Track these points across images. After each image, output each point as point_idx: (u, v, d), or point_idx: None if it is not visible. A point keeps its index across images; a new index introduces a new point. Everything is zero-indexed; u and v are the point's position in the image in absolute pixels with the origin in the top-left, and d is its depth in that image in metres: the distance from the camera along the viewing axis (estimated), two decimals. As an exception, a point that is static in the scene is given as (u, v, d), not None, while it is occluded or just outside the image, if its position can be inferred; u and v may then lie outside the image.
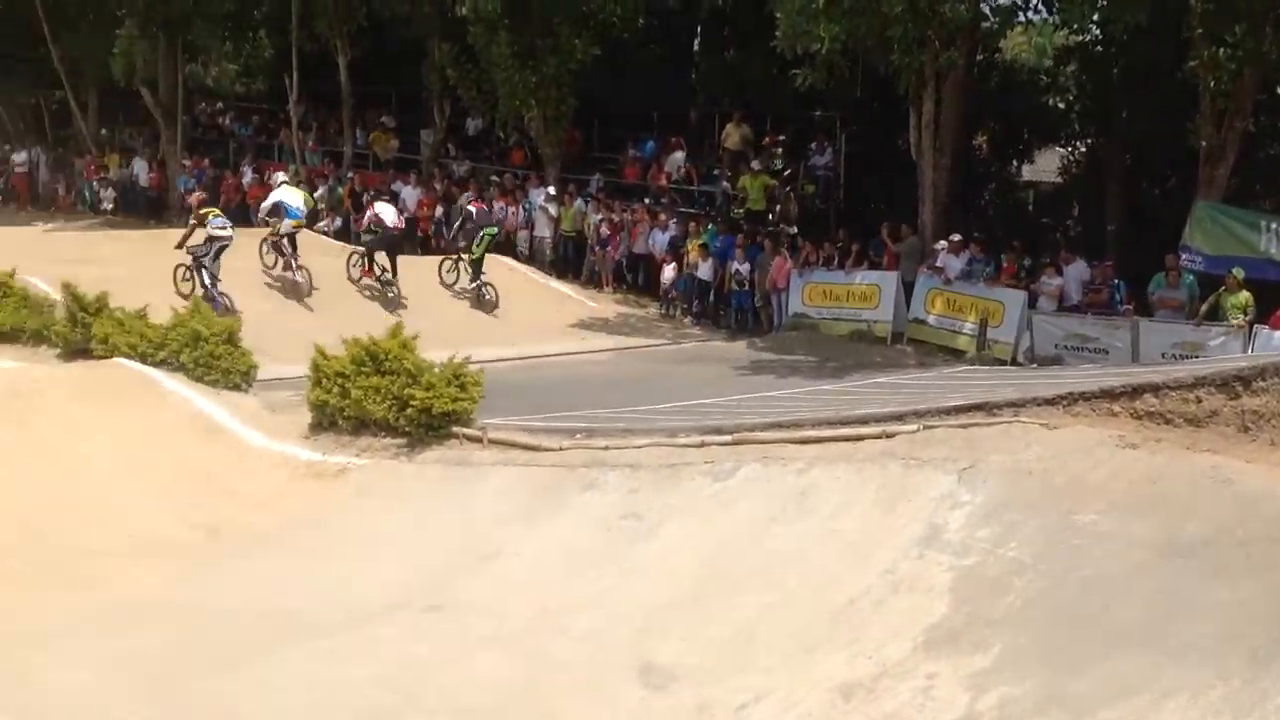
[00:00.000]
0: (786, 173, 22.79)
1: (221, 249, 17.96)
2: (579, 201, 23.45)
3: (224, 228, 18.17)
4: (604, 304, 21.62)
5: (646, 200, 23.29)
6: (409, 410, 11.25)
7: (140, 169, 30.29)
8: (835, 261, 19.99)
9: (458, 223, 21.57)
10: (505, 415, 11.64)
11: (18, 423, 11.36)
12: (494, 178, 25.76)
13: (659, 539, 8.63)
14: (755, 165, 22.43)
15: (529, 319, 19.71)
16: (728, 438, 9.56)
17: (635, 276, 22.81)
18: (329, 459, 11.44)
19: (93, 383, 12.72)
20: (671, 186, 23.90)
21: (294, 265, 19.29)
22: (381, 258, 20.23)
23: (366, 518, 10.31)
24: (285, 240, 19.34)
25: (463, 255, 20.92)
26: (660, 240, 21.99)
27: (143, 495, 10.66)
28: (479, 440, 11.07)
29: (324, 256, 22.71)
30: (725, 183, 23.18)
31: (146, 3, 27.61)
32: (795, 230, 21.55)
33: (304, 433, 12.00)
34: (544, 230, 23.52)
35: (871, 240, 20.05)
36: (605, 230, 22.71)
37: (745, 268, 20.53)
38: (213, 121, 33.49)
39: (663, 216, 22.21)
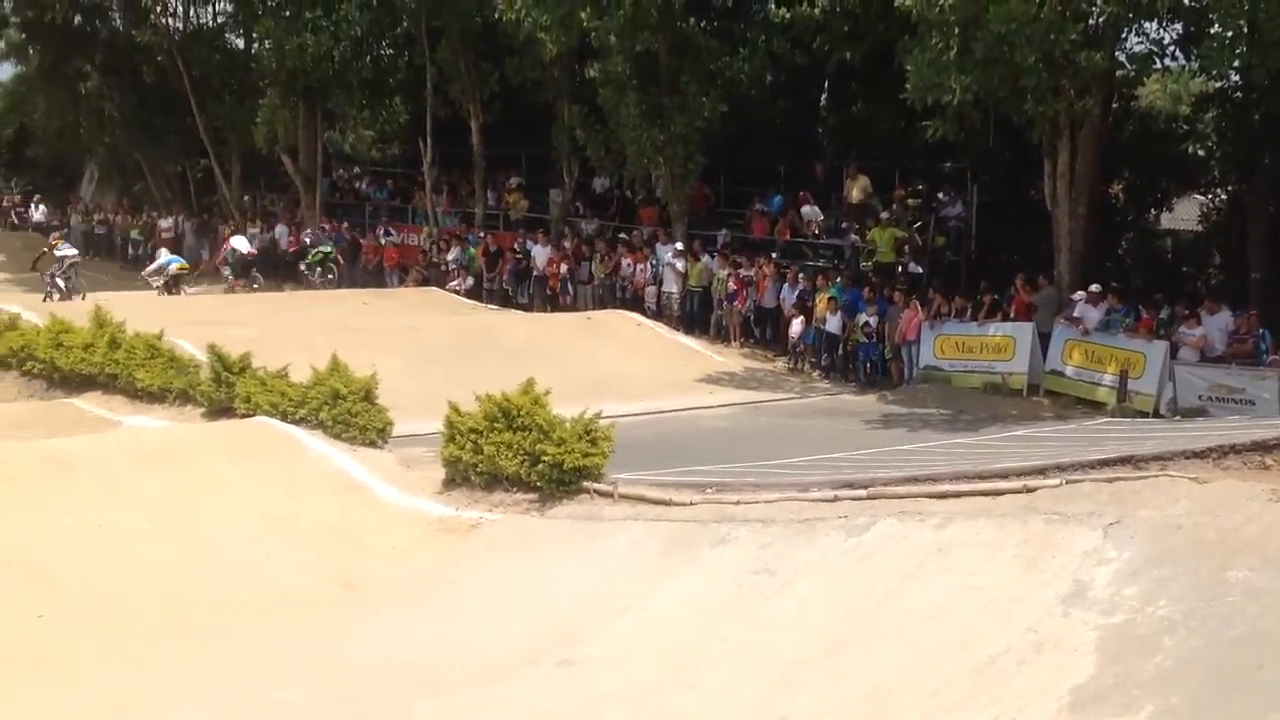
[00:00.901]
0: (916, 225, 22.55)
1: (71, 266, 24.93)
2: (705, 257, 23.51)
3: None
4: (731, 358, 21.56)
5: (773, 254, 23.24)
6: (540, 465, 11.30)
7: (281, 233, 31.24)
8: (967, 313, 19.68)
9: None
10: (635, 470, 11.61)
11: (164, 479, 11.68)
12: (621, 235, 25.99)
13: (792, 595, 8.49)
14: (884, 216, 22.26)
15: (657, 374, 19.73)
16: (862, 492, 9.40)
17: (763, 330, 22.72)
18: (462, 514, 11.54)
19: (236, 440, 13.04)
20: (801, 240, 23.81)
21: None
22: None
23: (498, 572, 10.35)
24: None
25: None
26: (788, 294, 21.90)
27: (281, 549, 10.85)
28: (609, 495, 11.06)
29: (457, 315, 23.19)
30: (853, 235, 23.02)
31: (288, 73, 28.57)
32: (922, 270, 21.33)
33: (437, 488, 12.14)
34: (671, 286, 23.61)
35: (1004, 291, 19.69)
36: (732, 285, 22.69)
37: (874, 320, 20.31)
38: (349, 186, 34.50)
39: (790, 270, 22.14)
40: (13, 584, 9.59)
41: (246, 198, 35.30)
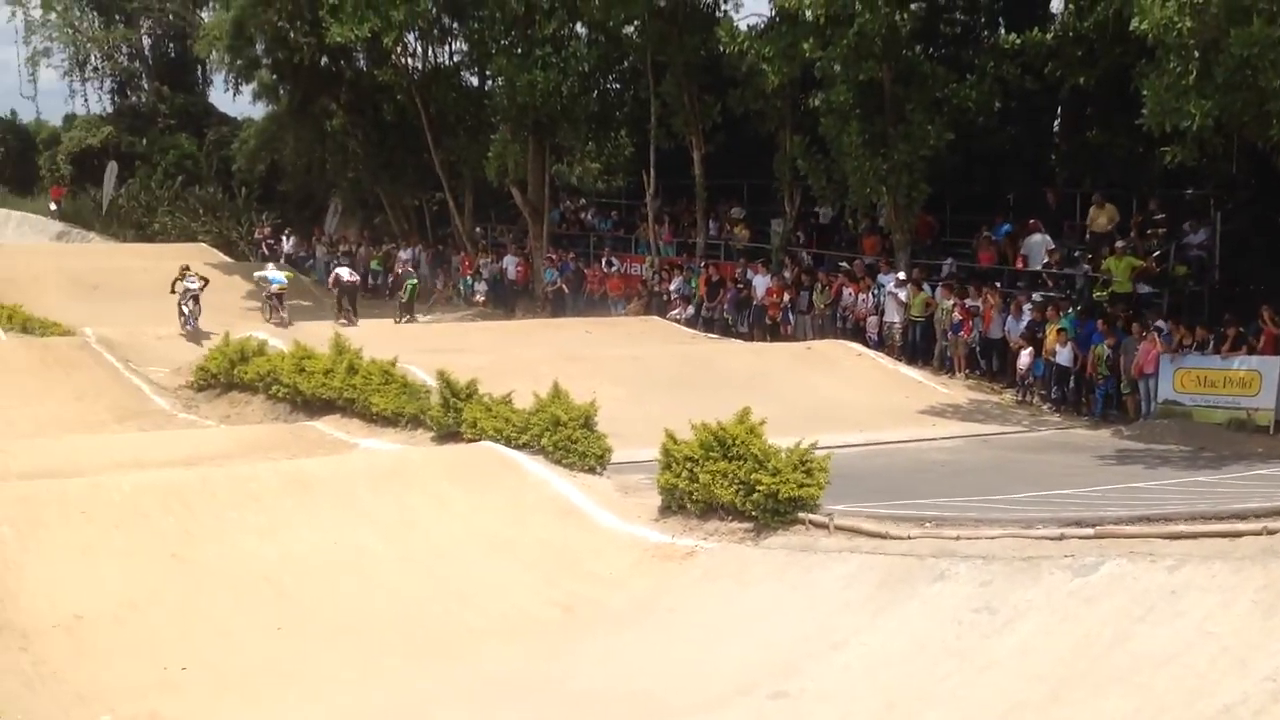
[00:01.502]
0: (1155, 254, 21.60)
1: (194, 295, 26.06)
2: (928, 286, 23.08)
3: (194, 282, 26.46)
4: (956, 390, 21.06)
5: (999, 284, 22.63)
6: (755, 495, 11.29)
7: (510, 263, 32.17)
8: (1210, 345, 18.72)
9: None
10: (851, 502, 11.48)
11: (396, 501, 12.15)
12: (842, 264, 25.78)
13: (1014, 635, 8.24)
14: (1119, 245, 21.39)
15: (876, 404, 19.45)
16: (1089, 530, 9.06)
17: (989, 362, 22.13)
18: (677, 541, 11.62)
19: (462, 464, 13.46)
20: (1035, 270, 23.11)
21: None
22: None
23: (713, 601, 10.37)
24: None
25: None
26: (1013, 325, 21.28)
27: (505, 572, 11.15)
28: (825, 526, 10.96)
29: (677, 344, 23.41)
30: (1086, 265, 22.21)
31: (518, 108, 29.43)
32: (1162, 300, 20.43)
33: (654, 515, 12.25)
34: (894, 316, 23.26)
35: (1250, 323, 18.66)
36: (958, 315, 22.20)
37: (1109, 352, 19.52)
38: (576, 217, 35.29)
39: (1016, 301, 21.51)
40: (259, 598, 10.15)
41: (478, 229, 36.50)
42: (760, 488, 11.22)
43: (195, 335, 25.48)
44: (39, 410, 18.23)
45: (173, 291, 26.61)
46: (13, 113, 55.36)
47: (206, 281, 27.19)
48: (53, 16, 51.36)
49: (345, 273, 30.18)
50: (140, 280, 30.51)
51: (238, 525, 11.24)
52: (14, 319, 25.69)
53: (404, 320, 30.08)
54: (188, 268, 27.70)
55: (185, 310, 26.26)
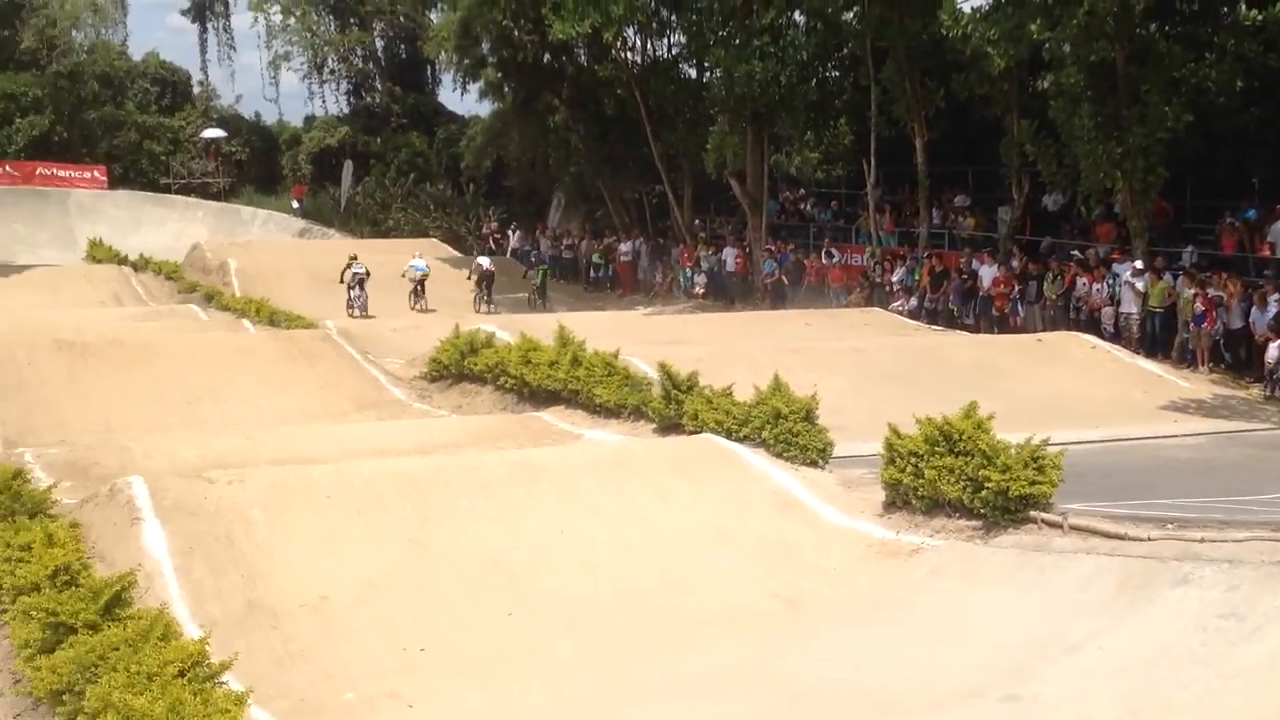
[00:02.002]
0: None
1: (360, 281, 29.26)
2: (1168, 275, 22.06)
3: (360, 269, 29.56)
4: (1198, 384, 20.05)
5: (1243, 273, 21.44)
6: (984, 492, 11.02)
7: (729, 255, 32.21)
8: None
9: None
10: (1087, 500, 11.08)
11: (619, 491, 12.33)
12: (1074, 253, 24.87)
13: (1264, 643, 7.84)
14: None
15: (1112, 399, 18.70)
16: (1348, 535, 8.53)
17: (1234, 354, 21.00)
18: (902, 538, 11.45)
19: (684, 456, 13.56)
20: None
21: None
22: None
23: (940, 599, 10.18)
24: None
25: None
26: (1258, 317, 20.13)
27: (727, 565, 11.19)
28: (1058, 526, 10.62)
29: (900, 336, 23.02)
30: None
31: (736, 99, 29.42)
32: None
33: (877, 510, 12.10)
34: (1130, 306, 22.29)
35: None
36: (1200, 305, 21.14)
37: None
38: (794, 207, 35.10)
39: (1260, 291, 20.32)
40: (489, 584, 10.47)
41: (697, 221, 36.68)
42: (989, 485, 10.95)
43: (363, 317, 28.64)
44: (285, 399, 19.18)
45: (341, 281, 29.37)
46: (257, 115, 58.42)
47: (369, 273, 29.75)
48: (292, 21, 54.00)
49: (485, 261, 32.10)
50: (376, 274, 31.72)
51: (469, 512, 11.60)
52: (261, 312, 27.13)
53: (538, 304, 32.19)
54: (355, 257, 30.34)
55: (352, 295, 29.39)
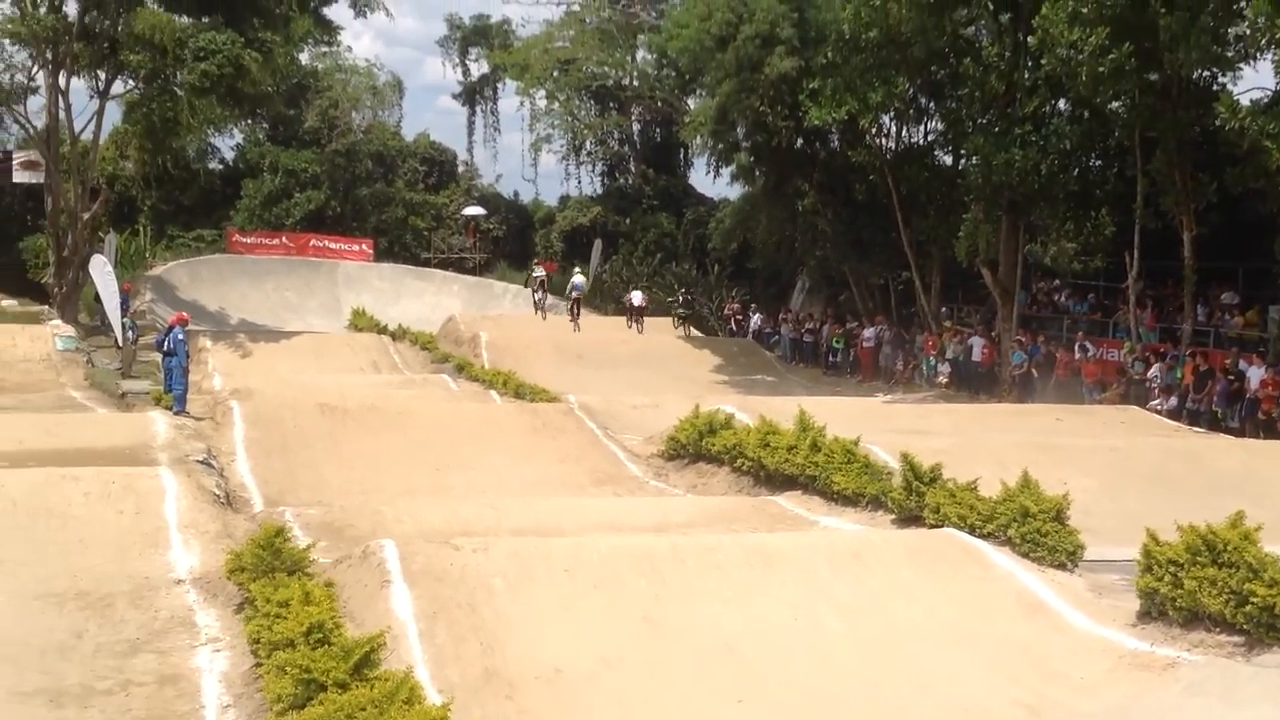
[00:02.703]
0: None
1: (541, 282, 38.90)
2: None
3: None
4: None
5: None
6: (1248, 607, 10.33)
7: (976, 344, 31.49)
8: None
9: None
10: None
11: (856, 581, 12.08)
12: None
13: None
14: None
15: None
16: None
17: None
18: (1157, 650, 10.81)
19: (923, 550, 13.19)
20: None
21: None
22: None
23: (1194, 718, 9.55)
24: None
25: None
26: None
27: (967, 665, 10.78)
28: (1335, 649, 9.85)
29: (1158, 436, 21.98)
30: None
31: (993, 187, 28.92)
32: None
33: (1130, 620, 11.48)
34: None
35: None
36: None
37: None
38: (1047, 298, 34.12)
39: None
40: (721, 666, 10.37)
41: (943, 309, 36.07)
42: (1254, 599, 10.26)
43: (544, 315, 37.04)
44: (527, 470, 19.61)
45: (526, 285, 32.54)
46: (515, 194, 60.96)
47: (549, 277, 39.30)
48: (556, 106, 56.19)
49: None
50: (618, 352, 32.38)
51: (704, 593, 11.55)
52: (508, 384, 27.94)
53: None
54: (538, 259, 33.67)
55: (536, 298, 37.14)
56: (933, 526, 14.40)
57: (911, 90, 32.35)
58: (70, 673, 9.95)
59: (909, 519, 15.24)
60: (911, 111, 34.38)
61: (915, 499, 15.14)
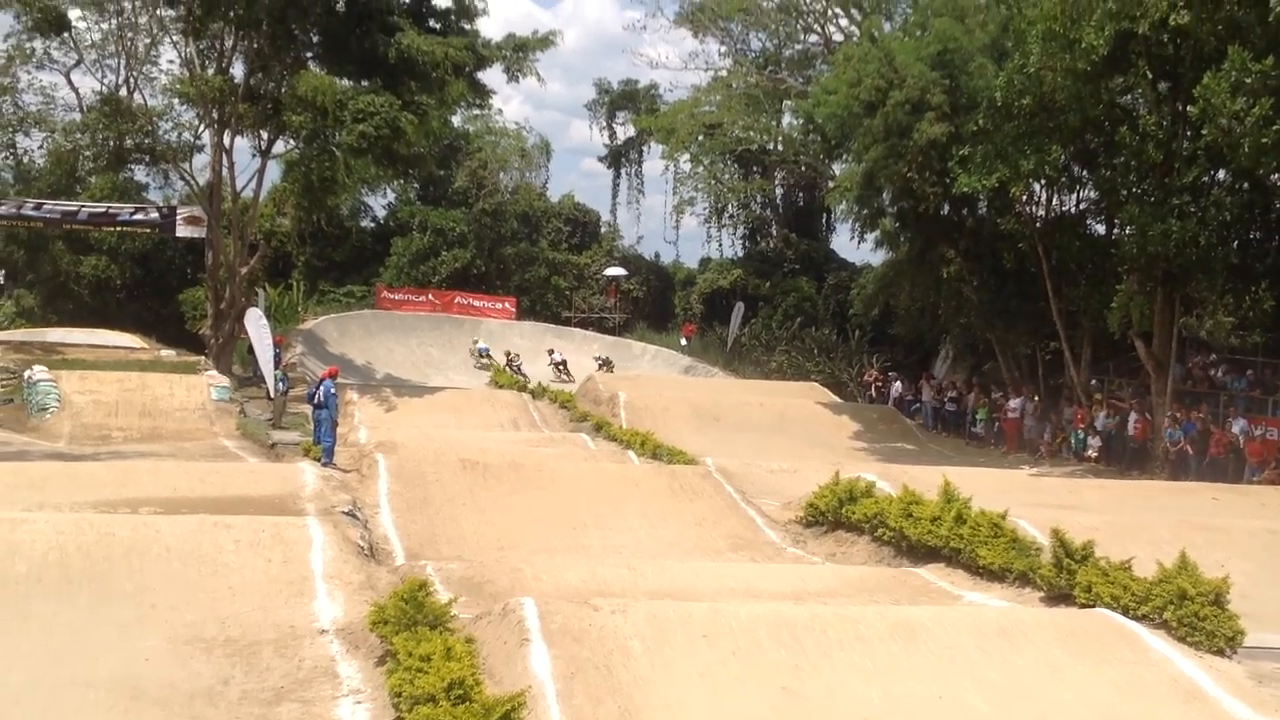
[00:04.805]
0: None
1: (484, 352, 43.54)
2: None
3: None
4: None
5: None
6: None
7: (1132, 418, 30.53)
8: None
9: None
10: None
11: (1004, 660, 11.71)
12: None
13: None
14: None
15: None
16: None
17: None
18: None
19: (1075, 630, 12.73)
20: None
21: None
22: None
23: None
24: None
25: None
26: None
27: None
28: None
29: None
30: None
31: (1148, 258, 28.17)
32: None
33: (1297, 710, 10.92)
34: None
35: None
36: None
37: None
38: (1203, 373, 32.97)
39: None
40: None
41: (1093, 381, 35.11)
42: None
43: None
44: (664, 532, 19.53)
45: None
46: (656, 255, 61.50)
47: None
48: (700, 169, 56.62)
49: (557, 355, 47.15)
50: (755, 415, 32.10)
51: (844, 665, 11.30)
52: (645, 445, 27.94)
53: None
54: (476, 338, 41.29)
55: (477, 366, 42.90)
56: (1084, 606, 13.90)
57: (1064, 158, 31.73)
58: (216, 718, 10.14)
59: (1058, 597, 14.74)
60: (1064, 179, 33.69)
61: (1066, 577, 14.64)
